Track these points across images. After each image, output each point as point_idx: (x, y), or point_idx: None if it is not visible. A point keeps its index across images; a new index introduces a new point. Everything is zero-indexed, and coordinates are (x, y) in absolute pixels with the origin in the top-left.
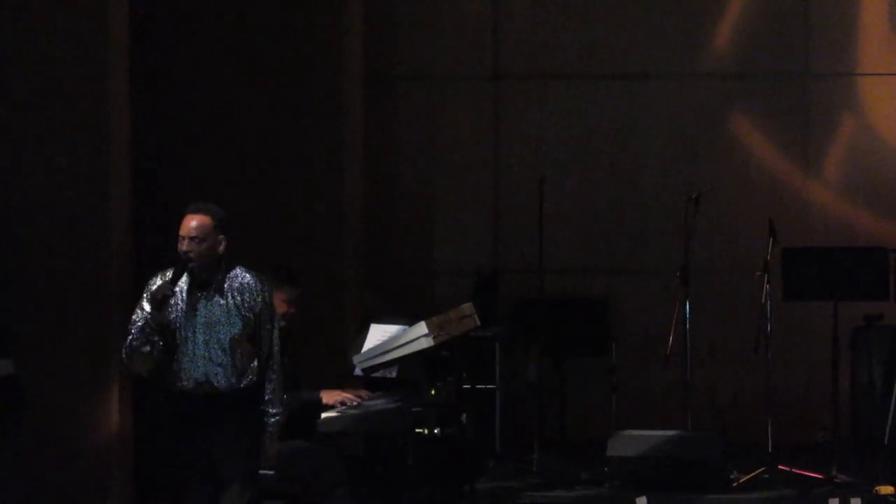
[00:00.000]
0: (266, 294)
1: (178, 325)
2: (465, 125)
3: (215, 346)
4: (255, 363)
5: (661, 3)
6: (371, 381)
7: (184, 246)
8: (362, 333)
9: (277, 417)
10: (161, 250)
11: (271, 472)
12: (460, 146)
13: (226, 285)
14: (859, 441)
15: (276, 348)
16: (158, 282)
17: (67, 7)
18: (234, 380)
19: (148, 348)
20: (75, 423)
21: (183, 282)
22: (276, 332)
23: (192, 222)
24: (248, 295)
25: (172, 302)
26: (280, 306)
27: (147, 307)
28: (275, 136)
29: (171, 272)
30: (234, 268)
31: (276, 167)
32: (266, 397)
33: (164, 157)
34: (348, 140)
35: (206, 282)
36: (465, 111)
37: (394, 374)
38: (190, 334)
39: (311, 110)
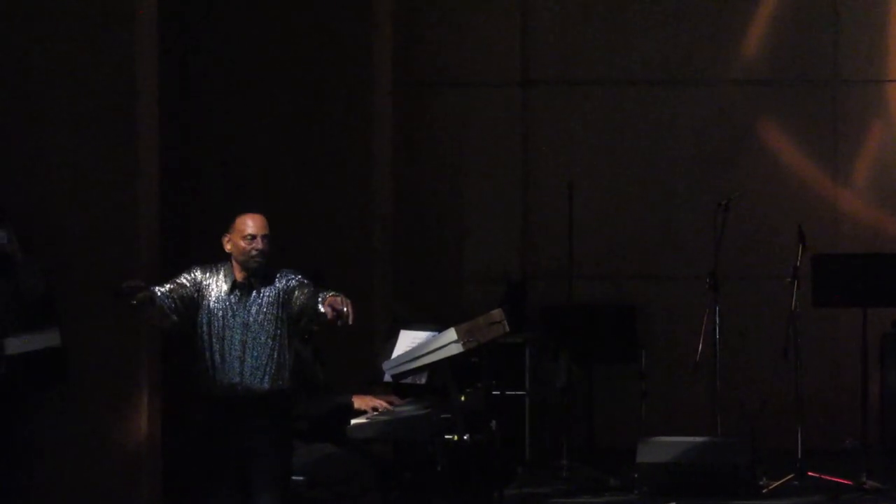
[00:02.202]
0: (302, 276)
1: (215, 325)
2: (494, 131)
3: (251, 347)
4: (290, 367)
5: (690, 9)
6: (400, 387)
7: (258, 244)
8: (392, 340)
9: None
10: (188, 254)
11: (301, 478)
12: (489, 152)
13: (264, 287)
14: (889, 447)
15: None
16: (198, 274)
17: (94, 12)
18: (266, 383)
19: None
20: (104, 428)
21: (223, 282)
22: (312, 287)
23: (259, 221)
24: (285, 286)
25: (214, 302)
26: None
27: (182, 280)
28: (302, 142)
29: (213, 268)
30: (275, 271)
31: (304, 173)
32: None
33: (191, 163)
34: (377, 146)
35: (246, 283)
36: (493, 117)
37: (423, 381)
38: (228, 335)
39: (340, 116)
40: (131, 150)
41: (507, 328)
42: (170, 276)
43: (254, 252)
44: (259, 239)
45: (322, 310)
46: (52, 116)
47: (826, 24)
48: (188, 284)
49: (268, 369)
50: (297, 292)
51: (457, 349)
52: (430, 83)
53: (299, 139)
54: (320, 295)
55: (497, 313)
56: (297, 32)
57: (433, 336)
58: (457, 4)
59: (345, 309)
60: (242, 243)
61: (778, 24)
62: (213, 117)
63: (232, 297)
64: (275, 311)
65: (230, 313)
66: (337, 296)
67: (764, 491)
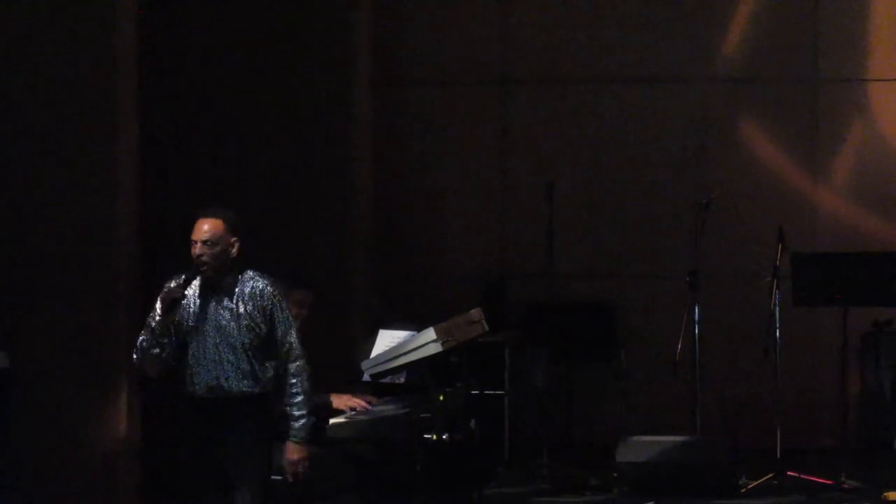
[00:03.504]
0: (278, 298)
1: (188, 328)
2: (473, 129)
3: (226, 350)
4: (270, 369)
5: (669, 7)
6: (379, 386)
7: (196, 250)
8: (371, 339)
9: (303, 421)
10: (169, 256)
11: (280, 478)
12: (468, 150)
13: (237, 289)
14: (868, 447)
15: (296, 351)
16: (173, 285)
17: (74, 11)
18: (245, 384)
19: (157, 350)
20: (83, 429)
21: (194, 285)
22: (293, 334)
23: (205, 226)
24: (259, 301)
25: (184, 304)
26: (292, 309)
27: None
28: (282, 140)
29: (187, 272)
30: (246, 272)
31: (283, 171)
32: (290, 400)
33: (171, 161)
34: (356, 144)
35: (218, 285)
36: (472, 115)
37: (402, 380)
38: (200, 338)
39: (319, 115)
40: (110, 149)
41: (486, 327)
42: (148, 273)
43: (194, 257)
44: (198, 244)
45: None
46: (28, 120)
47: (806, 23)
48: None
49: (244, 373)
50: (277, 335)
51: (436, 348)
52: (410, 81)
53: (279, 136)
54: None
55: (476, 312)
56: (277, 30)
57: (412, 335)
58: (436, 2)
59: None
60: (191, 247)
61: (758, 23)
62: (192, 115)
63: (204, 300)
64: (249, 322)
65: (202, 316)
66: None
67: (743, 490)
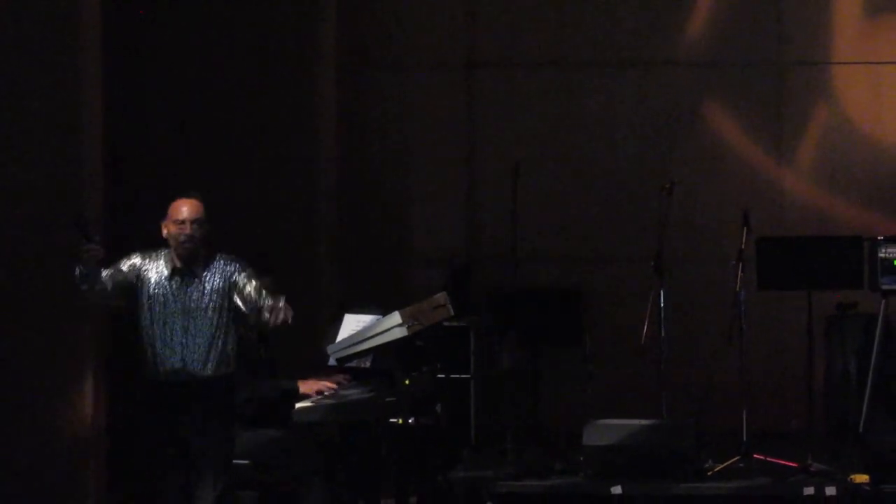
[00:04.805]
0: (239, 263)
1: (156, 313)
2: (439, 113)
3: (193, 333)
4: (234, 350)
5: None
6: (345, 371)
7: (187, 230)
8: (336, 323)
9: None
10: (132, 243)
11: (246, 462)
12: (434, 134)
13: (206, 273)
14: (834, 430)
15: (264, 290)
16: (137, 260)
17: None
18: (210, 367)
19: (85, 287)
20: (50, 414)
21: (164, 268)
22: (256, 283)
23: (190, 206)
24: (226, 278)
25: (153, 288)
26: None
27: (119, 266)
28: (248, 125)
29: (154, 254)
30: (214, 256)
31: (249, 156)
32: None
33: (136, 146)
34: (322, 129)
35: (186, 269)
36: (438, 99)
37: (368, 364)
38: (168, 321)
39: (285, 99)
40: (76, 134)
41: (452, 311)
42: (112, 261)
43: (182, 237)
44: (188, 224)
45: (264, 318)
46: None
47: (770, 6)
48: (125, 270)
49: (210, 356)
50: (244, 290)
51: (401, 333)
52: (376, 65)
53: (245, 122)
54: (262, 300)
55: (441, 297)
56: (242, 15)
57: (377, 320)
58: None
59: (280, 318)
60: (174, 229)
61: (722, 6)
62: (155, 101)
63: (172, 282)
64: (218, 300)
65: (171, 299)
66: (274, 307)
67: (709, 473)
